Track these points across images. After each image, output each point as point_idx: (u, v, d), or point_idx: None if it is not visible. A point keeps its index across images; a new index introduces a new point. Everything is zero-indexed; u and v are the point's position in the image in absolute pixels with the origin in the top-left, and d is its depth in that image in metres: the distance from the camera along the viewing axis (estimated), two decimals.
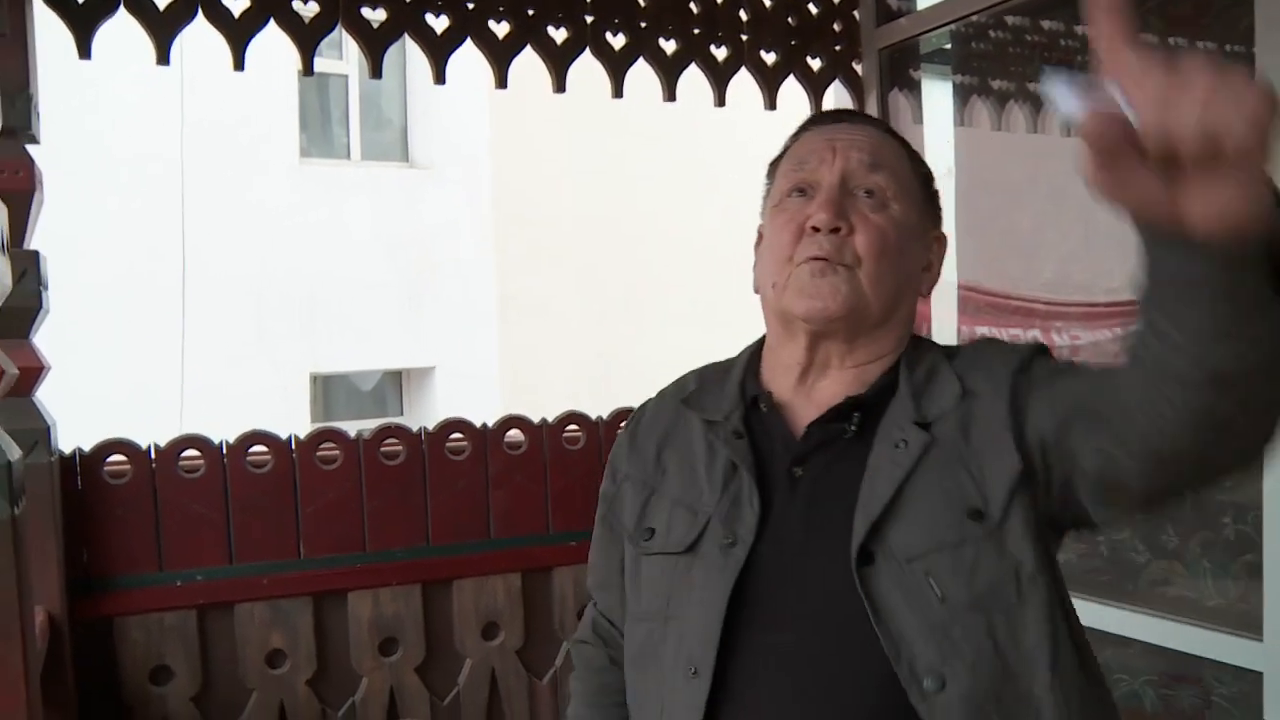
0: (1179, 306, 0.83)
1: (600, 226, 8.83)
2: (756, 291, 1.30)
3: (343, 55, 8.43)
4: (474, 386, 8.49)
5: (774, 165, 1.33)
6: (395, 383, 9.08)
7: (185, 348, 7.48)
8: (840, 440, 1.19)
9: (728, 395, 1.28)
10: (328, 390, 8.77)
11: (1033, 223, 2.97)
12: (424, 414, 8.52)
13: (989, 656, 1.08)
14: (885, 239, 1.19)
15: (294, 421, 6.05)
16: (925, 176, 1.29)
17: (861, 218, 1.19)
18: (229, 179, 7.74)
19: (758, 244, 1.33)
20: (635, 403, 2.89)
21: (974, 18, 3.10)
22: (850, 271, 1.18)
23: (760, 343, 1.34)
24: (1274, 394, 0.88)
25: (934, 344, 1.27)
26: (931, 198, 1.29)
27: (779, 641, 1.13)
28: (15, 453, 1.51)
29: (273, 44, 2.56)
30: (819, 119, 1.31)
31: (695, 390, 1.34)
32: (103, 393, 6.26)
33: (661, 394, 1.40)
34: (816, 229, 1.18)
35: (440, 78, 2.68)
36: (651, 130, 8.38)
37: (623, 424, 2.85)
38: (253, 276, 7.86)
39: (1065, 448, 1.09)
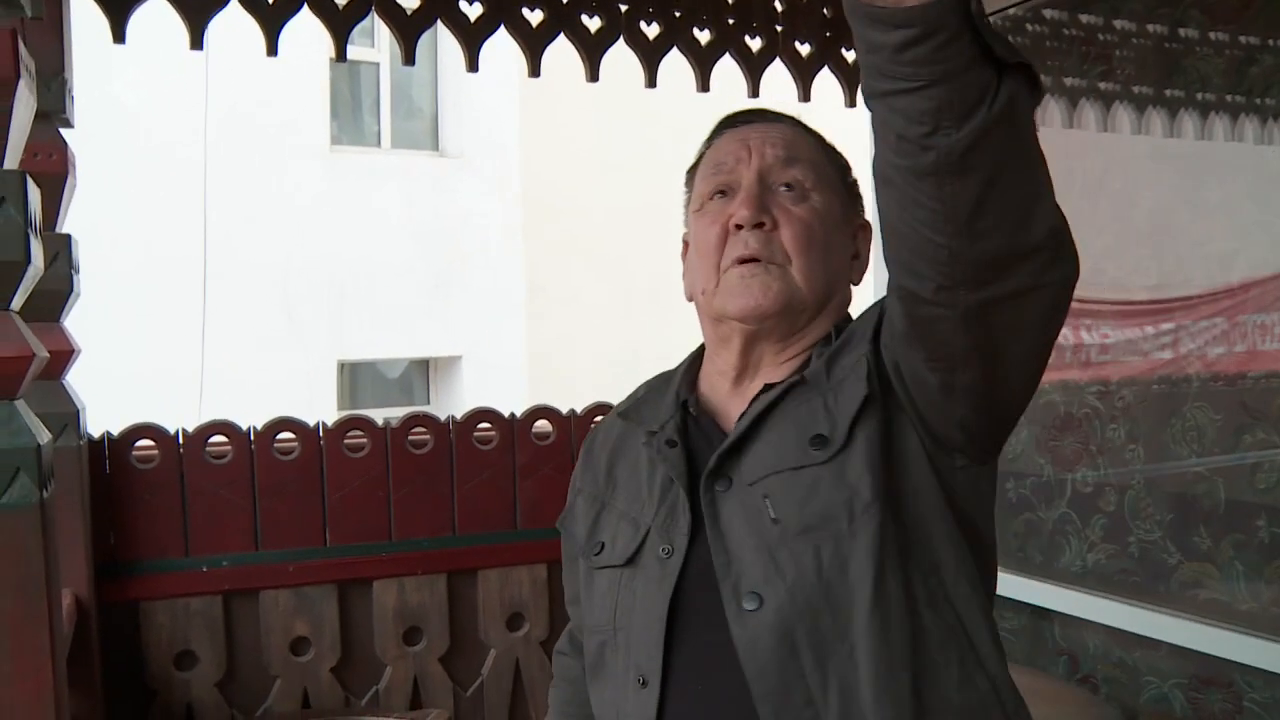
0: (896, 92, 0.88)
1: (629, 218, 8.80)
2: (689, 300, 1.31)
3: (374, 43, 8.44)
4: (501, 376, 8.50)
5: (691, 172, 1.34)
6: (422, 371, 9.10)
7: (208, 333, 7.50)
8: None
9: (665, 405, 1.29)
10: (354, 378, 8.80)
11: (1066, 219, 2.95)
12: (451, 403, 8.53)
13: (810, 581, 1.08)
14: (810, 231, 1.20)
15: (321, 409, 6.06)
16: (843, 167, 1.30)
17: (784, 211, 1.20)
18: (259, 166, 7.76)
19: (684, 254, 1.34)
20: None
21: (1011, 11, 3.07)
22: (781, 269, 1.19)
23: (701, 350, 1.35)
24: (1010, 161, 0.92)
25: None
26: (850, 187, 1.29)
27: (721, 639, 1.13)
28: (44, 436, 1.51)
29: (304, 31, 2.55)
30: (731, 120, 1.31)
31: (637, 402, 1.35)
32: (128, 378, 6.29)
33: (616, 407, 1.41)
34: (740, 226, 1.19)
35: (473, 65, 2.67)
36: (682, 121, 8.34)
37: None
38: (282, 263, 7.89)
39: (889, 329, 1.11)
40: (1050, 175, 0.97)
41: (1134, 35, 3.08)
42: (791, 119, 1.30)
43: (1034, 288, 0.98)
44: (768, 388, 1.20)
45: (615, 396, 2.79)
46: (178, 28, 2.43)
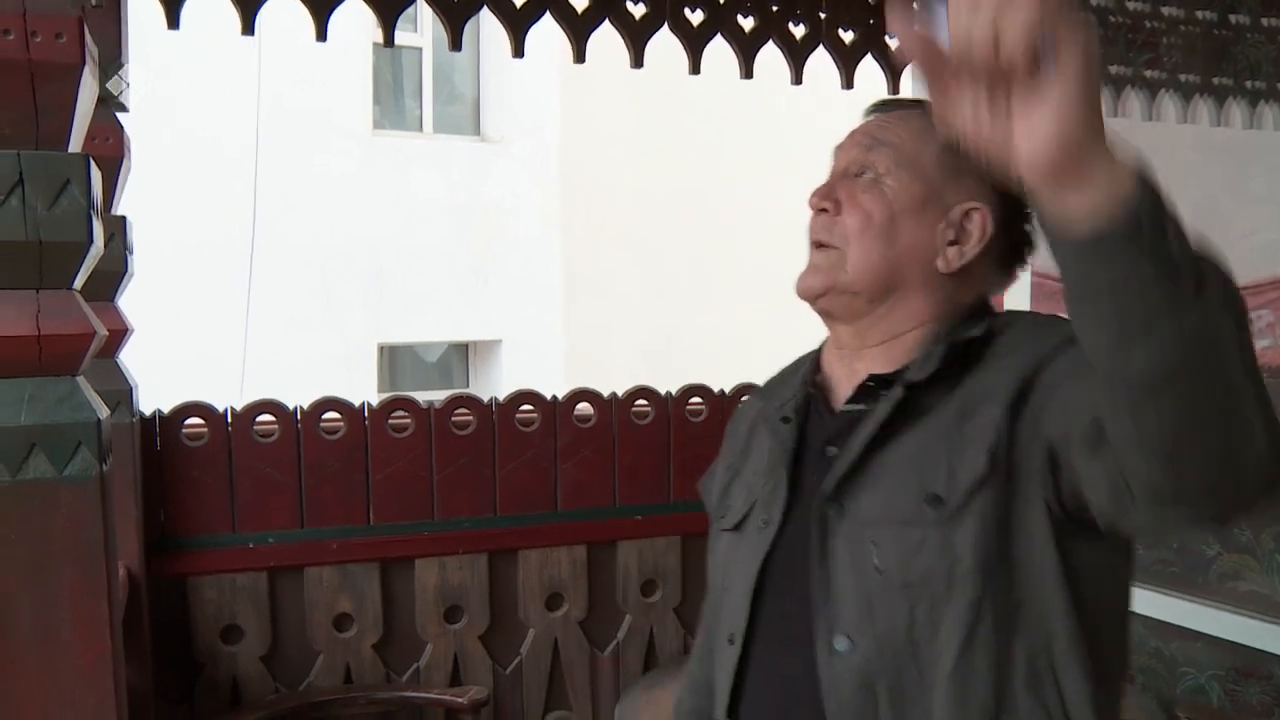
0: (1076, 304, 0.85)
1: (668, 204, 8.81)
2: None
3: (417, 28, 8.48)
4: (539, 360, 8.53)
5: None
6: (461, 355, 9.16)
7: (252, 315, 7.57)
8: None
9: (793, 384, 1.31)
10: (394, 361, 8.87)
11: None
12: (490, 387, 8.58)
13: (900, 636, 1.10)
14: (869, 217, 1.19)
15: (361, 392, 6.10)
16: (950, 146, 1.22)
17: (850, 197, 1.21)
18: (301, 150, 7.81)
19: None
20: (700, 379, 2.89)
21: None
22: (838, 252, 1.21)
23: None
24: (1209, 398, 0.83)
25: (988, 319, 1.21)
26: (953, 170, 1.20)
27: (793, 610, 1.17)
28: (104, 411, 1.55)
29: (347, 15, 2.57)
30: (867, 111, 1.32)
31: (774, 381, 1.38)
32: (173, 358, 6.37)
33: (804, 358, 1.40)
34: (814, 211, 1.24)
35: (519, 51, 2.69)
36: (721, 109, 8.34)
37: (692, 399, 2.86)
38: (323, 247, 7.94)
39: (1069, 460, 1.03)
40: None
41: (1182, 22, 3.06)
42: (908, 103, 1.29)
43: (1207, 499, 0.92)
44: (874, 380, 1.20)
45: (652, 381, 2.83)
46: (225, 12, 2.46)
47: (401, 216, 8.20)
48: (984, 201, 1.20)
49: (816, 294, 1.22)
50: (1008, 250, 1.24)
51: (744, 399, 1.49)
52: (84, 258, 1.48)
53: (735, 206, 8.77)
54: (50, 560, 1.55)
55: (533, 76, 8.29)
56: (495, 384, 8.55)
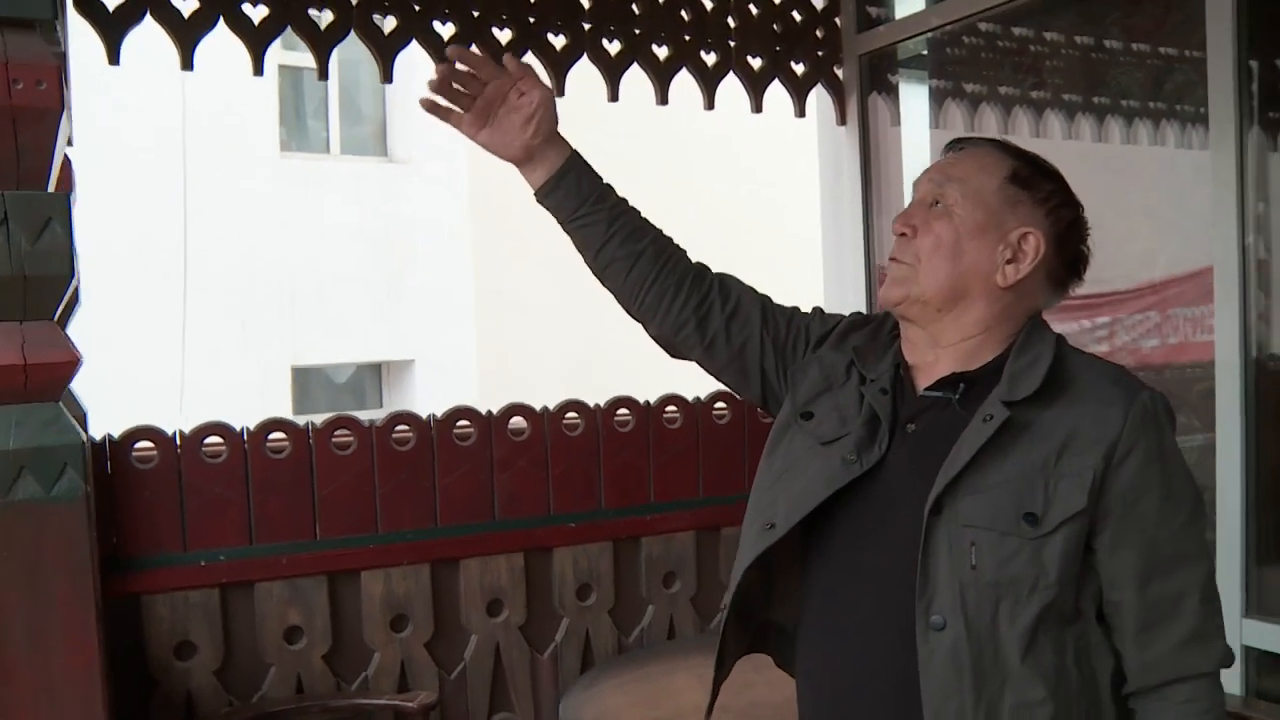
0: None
1: None
2: None
3: None
4: (453, 379, 8.59)
5: None
6: (374, 375, 9.17)
7: (165, 340, 7.50)
8: (947, 406, 1.40)
9: (884, 364, 1.50)
10: (304, 383, 8.83)
11: None
12: (402, 406, 8.61)
13: (985, 624, 1.31)
14: (938, 240, 1.41)
15: (275, 414, 6.10)
16: (1010, 180, 1.43)
17: (925, 223, 1.43)
18: (211, 174, 7.79)
19: None
20: (615, 393, 3.04)
21: (949, 26, 3.28)
22: (911, 268, 1.42)
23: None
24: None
25: (1051, 335, 1.43)
26: (1011, 200, 1.41)
27: (875, 562, 1.39)
28: (83, 434, 1.64)
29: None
30: (945, 149, 1.53)
31: (865, 330, 1.57)
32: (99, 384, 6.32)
33: (885, 320, 1.59)
34: (895, 234, 1.47)
35: (387, 76, 2.85)
36: (627, 126, 8.51)
37: (619, 410, 3.00)
38: (235, 270, 7.90)
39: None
40: None
41: (1063, 46, 3.30)
42: (979, 141, 1.50)
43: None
44: (955, 376, 1.41)
45: (567, 395, 2.96)
46: (153, 40, 2.54)
47: (313, 239, 8.20)
48: (1038, 226, 1.40)
49: (895, 302, 1.44)
50: (1060, 269, 1.44)
51: (872, 318, 1.63)
52: (65, 290, 1.58)
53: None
54: (41, 575, 1.63)
55: None
56: (409, 403, 8.58)
